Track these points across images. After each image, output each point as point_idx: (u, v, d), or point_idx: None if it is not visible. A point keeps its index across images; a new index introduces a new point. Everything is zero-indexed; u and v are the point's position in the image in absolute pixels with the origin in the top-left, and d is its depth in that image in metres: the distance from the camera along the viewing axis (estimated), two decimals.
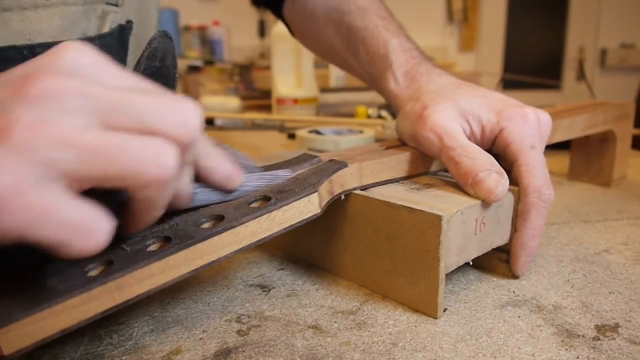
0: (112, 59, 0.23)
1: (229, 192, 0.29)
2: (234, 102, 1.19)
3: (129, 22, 0.38)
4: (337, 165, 0.32)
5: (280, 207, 0.28)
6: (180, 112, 0.22)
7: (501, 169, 0.33)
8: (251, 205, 0.28)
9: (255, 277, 0.35)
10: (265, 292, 0.33)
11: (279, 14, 0.58)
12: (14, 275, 0.24)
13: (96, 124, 0.21)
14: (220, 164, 0.28)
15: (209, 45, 2.55)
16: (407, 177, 0.36)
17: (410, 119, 0.38)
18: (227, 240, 0.26)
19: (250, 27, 2.64)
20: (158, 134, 0.22)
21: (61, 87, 0.20)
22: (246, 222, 0.27)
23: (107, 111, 0.21)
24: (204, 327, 0.29)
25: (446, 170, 0.38)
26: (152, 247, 0.25)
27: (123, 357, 0.26)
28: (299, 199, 0.29)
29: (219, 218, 0.27)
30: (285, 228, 0.28)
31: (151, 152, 0.21)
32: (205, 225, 0.27)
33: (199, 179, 0.28)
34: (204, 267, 0.26)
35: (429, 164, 0.38)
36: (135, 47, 0.39)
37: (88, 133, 0.20)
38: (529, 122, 0.35)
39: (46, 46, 0.31)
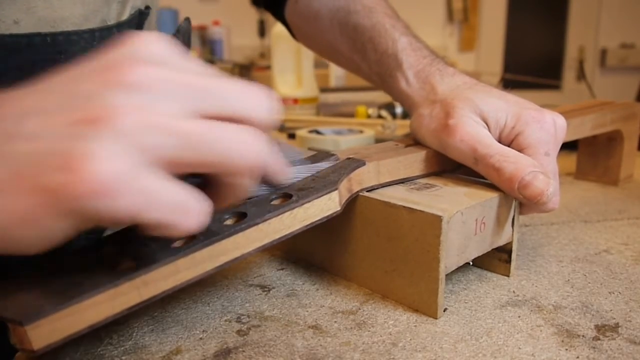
0: None
1: (275, 185, 0.29)
2: None
3: (148, 7, 0.37)
4: (355, 163, 0.32)
5: (302, 204, 0.28)
6: (260, 98, 0.23)
7: (545, 168, 0.32)
8: (272, 203, 0.28)
9: (255, 277, 0.35)
10: (265, 292, 0.33)
11: (280, 16, 0.57)
12: (40, 270, 0.24)
13: (188, 111, 0.21)
14: (273, 157, 0.28)
15: (209, 45, 2.56)
16: (424, 176, 0.36)
17: (431, 125, 0.37)
18: (251, 237, 0.26)
19: (250, 27, 2.64)
20: (244, 120, 0.22)
21: (153, 75, 0.21)
22: (269, 219, 0.27)
23: (197, 98, 0.21)
24: (203, 327, 0.29)
25: (452, 171, 0.38)
26: (177, 244, 0.25)
27: (123, 357, 0.26)
28: (320, 197, 0.29)
29: (242, 215, 0.27)
30: (307, 225, 0.28)
31: (245, 140, 0.22)
32: (228, 222, 0.27)
33: None
34: (228, 264, 0.26)
35: (445, 162, 0.37)
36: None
37: (185, 120, 0.21)
38: (546, 128, 0.35)
39: (67, 34, 0.32)
